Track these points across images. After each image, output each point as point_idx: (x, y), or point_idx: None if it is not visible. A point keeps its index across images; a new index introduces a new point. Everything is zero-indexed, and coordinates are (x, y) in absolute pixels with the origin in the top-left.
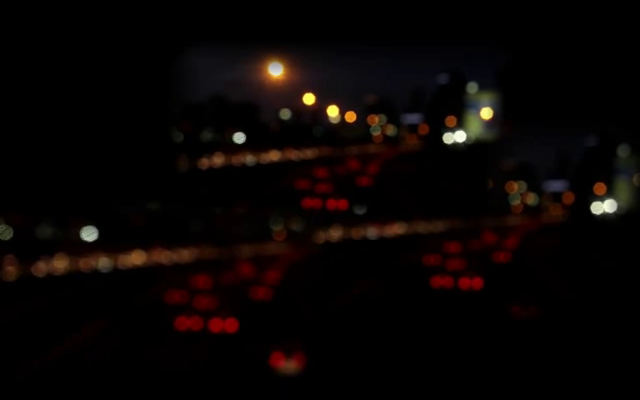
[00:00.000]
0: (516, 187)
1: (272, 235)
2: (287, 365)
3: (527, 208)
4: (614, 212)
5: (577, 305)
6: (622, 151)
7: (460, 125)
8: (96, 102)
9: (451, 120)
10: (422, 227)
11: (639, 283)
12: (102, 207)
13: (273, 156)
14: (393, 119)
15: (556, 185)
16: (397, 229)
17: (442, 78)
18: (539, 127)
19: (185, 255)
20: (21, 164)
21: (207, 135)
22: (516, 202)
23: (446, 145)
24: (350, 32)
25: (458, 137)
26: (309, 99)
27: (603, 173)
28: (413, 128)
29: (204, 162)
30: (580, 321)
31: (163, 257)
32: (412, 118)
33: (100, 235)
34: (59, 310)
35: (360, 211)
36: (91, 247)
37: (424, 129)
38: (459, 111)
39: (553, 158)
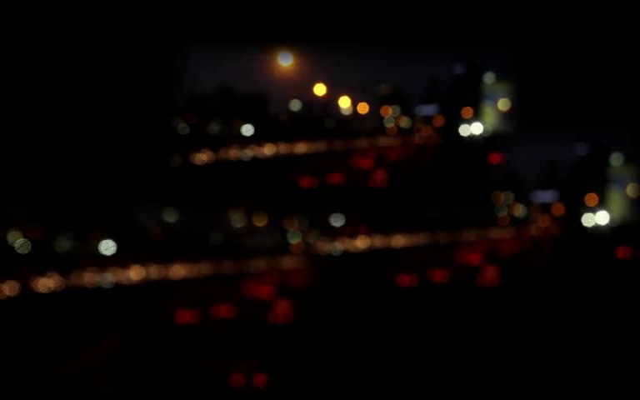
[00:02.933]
0: (502, 198)
1: (289, 248)
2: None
3: (514, 220)
4: (606, 225)
5: (567, 321)
6: (615, 159)
7: (477, 116)
8: (101, 101)
9: (467, 111)
10: (404, 240)
11: (632, 299)
12: (119, 220)
13: (283, 148)
14: (407, 111)
15: (545, 195)
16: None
17: (458, 68)
18: (528, 132)
19: (203, 269)
20: (38, 177)
21: (214, 127)
22: (502, 213)
23: (462, 137)
24: (362, 21)
25: (475, 128)
26: (320, 90)
27: (595, 183)
28: (428, 120)
29: (211, 156)
30: (570, 336)
31: (181, 270)
32: (427, 110)
33: (118, 249)
34: (77, 323)
35: (337, 222)
36: (109, 261)
37: (439, 121)
38: (476, 102)
39: (542, 167)
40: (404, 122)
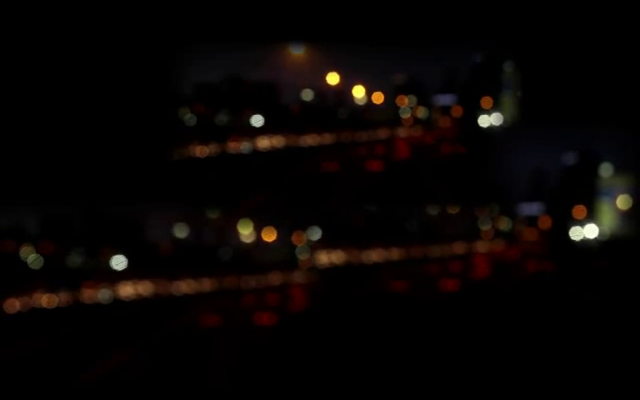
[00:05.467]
0: (486, 211)
1: (298, 263)
2: None
3: (498, 233)
4: (595, 238)
5: (554, 337)
6: (605, 170)
7: (496, 107)
8: (107, 99)
9: (486, 101)
10: (376, 255)
11: (622, 316)
12: (131, 235)
13: (293, 140)
14: (424, 100)
15: (531, 208)
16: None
17: (477, 57)
18: (513, 141)
19: (213, 284)
20: (50, 193)
21: (222, 118)
22: (486, 226)
23: (481, 128)
24: (377, 10)
25: (495, 119)
26: (333, 79)
27: (583, 195)
28: (446, 110)
29: (218, 148)
30: (558, 355)
31: (192, 285)
32: (445, 99)
33: (129, 264)
34: (86, 338)
35: (314, 236)
36: (120, 276)
37: (458, 111)
38: (495, 91)
39: (528, 177)
40: (421, 112)
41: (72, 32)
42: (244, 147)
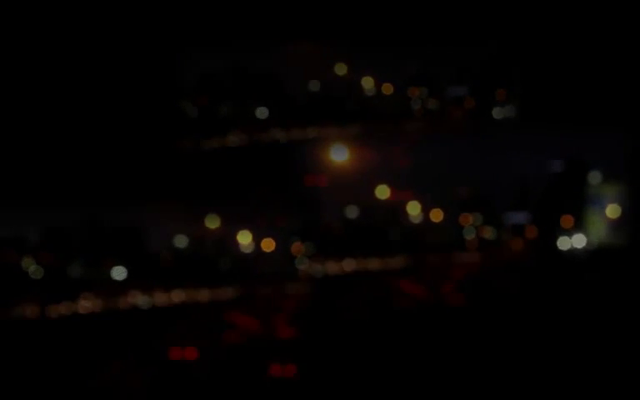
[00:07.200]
0: (470, 219)
1: (297, 274)
2: None
3: (483, 243)
4: (584, 249)
5: (541, 353)
6: (593, 178)
7: (510, 99)
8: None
9: (501, 93)
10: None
11: (611, 328)
12: (131, 246)
13: (300, 133)
14: (436, 92)
15: (517, 217)
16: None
17: (491, 47)
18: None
19: (213, 294)
20: (51, 203)
21: (225, 109)
22: (470, 236)
23: (495, 120)
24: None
25: (508, 111)
26: (341, 69)
27: (571, 204)
28: (458, 102)
29: (221, 141)
30: (546, 369)
31: (192, 295)
32: (457, 91)
33: (129, 275)
34: (90, 347)
35: (308, 250)
36: (120, 287)
37: (470, 103)
38: (510, 83)
39: (514, 185)
40: (433, 103)
41: (70, 33)
42: (247, 140)
